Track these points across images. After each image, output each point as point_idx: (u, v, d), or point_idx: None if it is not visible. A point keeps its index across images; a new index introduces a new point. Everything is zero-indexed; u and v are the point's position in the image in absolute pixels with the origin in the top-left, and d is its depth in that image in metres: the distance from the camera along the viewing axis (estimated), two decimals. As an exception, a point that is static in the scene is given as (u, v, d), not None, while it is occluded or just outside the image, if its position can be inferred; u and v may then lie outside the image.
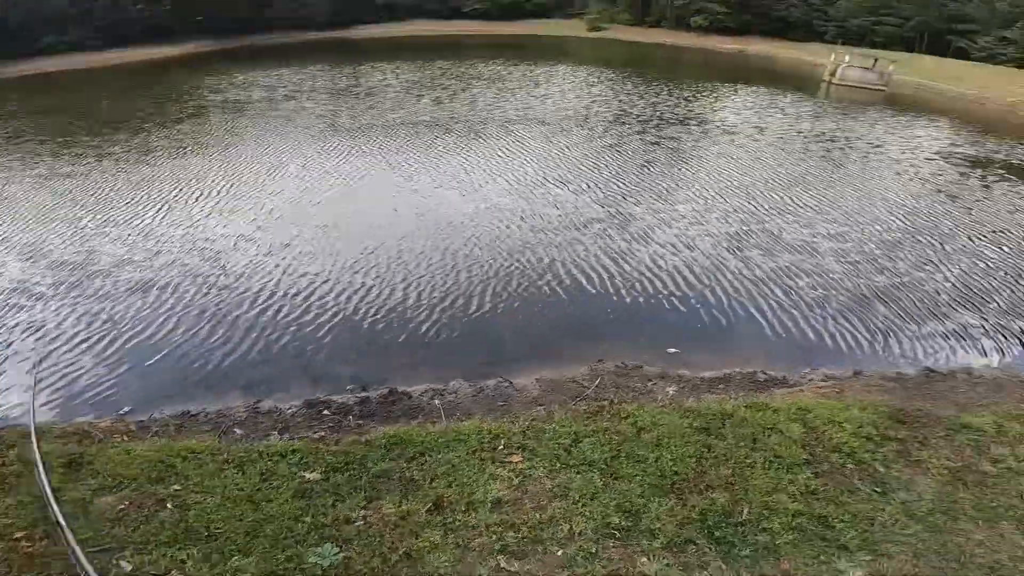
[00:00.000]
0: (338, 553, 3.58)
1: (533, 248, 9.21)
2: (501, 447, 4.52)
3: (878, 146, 16.44)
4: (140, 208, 10.81)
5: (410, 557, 3.52)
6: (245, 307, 7.49)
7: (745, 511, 3.83)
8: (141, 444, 4.81)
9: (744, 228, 10.11)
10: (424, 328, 7.07)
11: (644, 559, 3.47)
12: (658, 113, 19.24)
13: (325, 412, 5.40)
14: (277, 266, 8.52)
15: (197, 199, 11.29)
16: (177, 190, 11.74)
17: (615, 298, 7.89)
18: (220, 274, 8.31)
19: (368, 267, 8.55)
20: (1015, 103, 23.28)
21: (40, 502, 3.86)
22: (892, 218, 10.93)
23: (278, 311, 7.40)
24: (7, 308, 7.44)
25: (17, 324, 7.07)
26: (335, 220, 10.23)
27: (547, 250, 9.15)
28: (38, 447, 2.03)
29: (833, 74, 27.33)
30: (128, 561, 3.40)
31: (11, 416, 5.45)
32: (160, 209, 10.74)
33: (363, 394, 5.71)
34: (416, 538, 3.65)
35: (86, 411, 5.61)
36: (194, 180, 12.36)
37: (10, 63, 28.74)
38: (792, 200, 11.60)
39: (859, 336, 7.12)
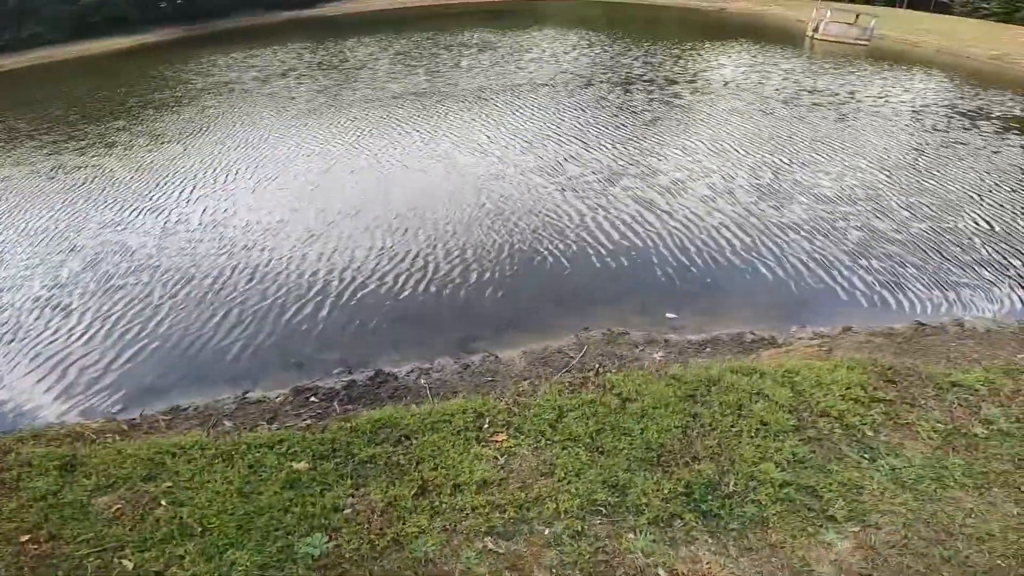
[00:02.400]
0: (327, 542, 3.58)
1: (520, 213, 9.11)
2: (486, 426, 4.50)
3: (860, 99, 16.19)
4: (126, 196, 10.63)
5: (398, 543, 3.52)
6: (227, 297, 7.41)
7: (732, 483, 3.82)
8: (132, 443, 4.78)
9: (736, 183, 10.00)
10: (409, 305, 7.04)
11: (631, 535, 3.47)
12: (639, 73, 18.84)
13: (312, 399, 5.37)
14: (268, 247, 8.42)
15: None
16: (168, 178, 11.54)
17: (605, 262, 7.88)
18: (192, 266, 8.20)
19: (367, 246, 8.47)
20: (998, 56, 22.84)
21: (42, 503, 3.89)
22: (886, 170, 10.83)
23: (262, 298, 7.34)
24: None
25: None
26: (319, 198, 10.06)
27: (529, 218, 9.08)
28: None
29: (816, 29, 26.67)
30: (129, 560, 3.42)
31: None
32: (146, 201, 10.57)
33: (349, 378, 5.68)
34: (403, 523, 3.66)
35: (78, 412, 5.61)
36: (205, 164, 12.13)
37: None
38: (788, 157, 11.48)
39: (853, 289, 7.19)
